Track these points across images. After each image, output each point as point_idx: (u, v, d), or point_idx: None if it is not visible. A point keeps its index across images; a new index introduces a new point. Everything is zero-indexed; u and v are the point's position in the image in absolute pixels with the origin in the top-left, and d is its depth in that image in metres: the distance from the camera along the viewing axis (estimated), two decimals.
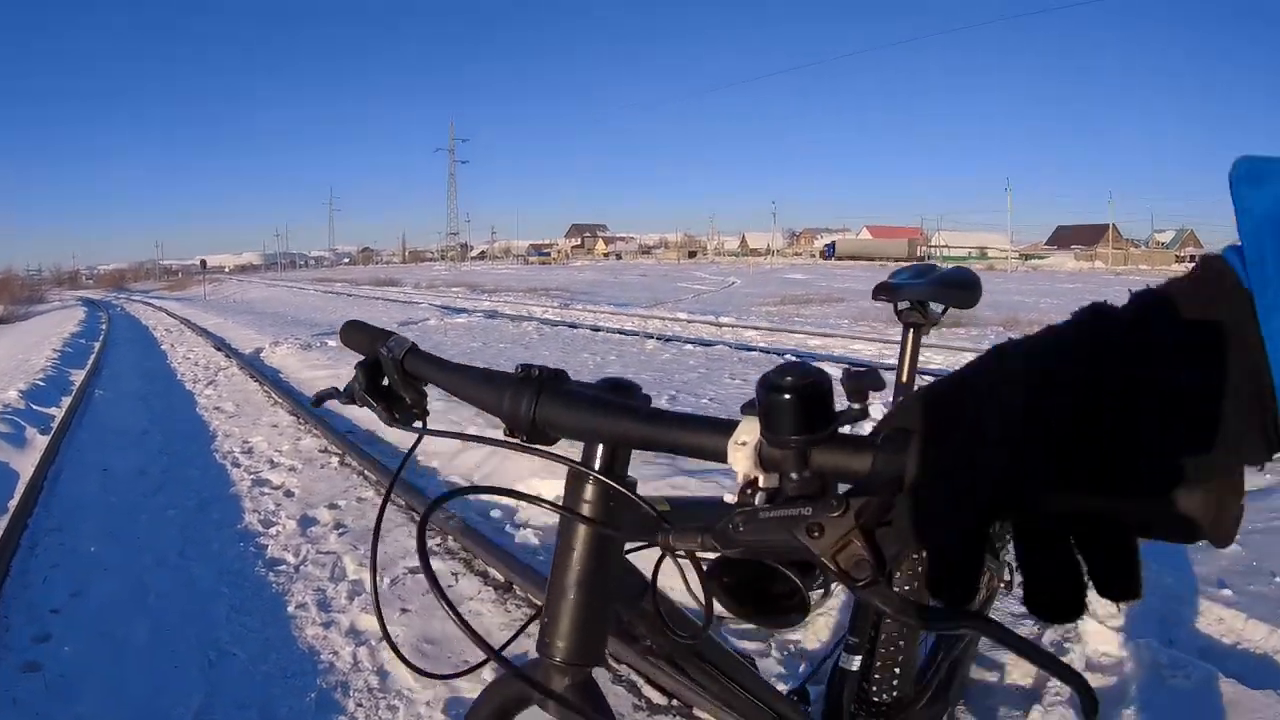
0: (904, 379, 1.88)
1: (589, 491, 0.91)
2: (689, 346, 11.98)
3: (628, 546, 1.00)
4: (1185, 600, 3.10)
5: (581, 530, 0.91)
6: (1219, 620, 2.99)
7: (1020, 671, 2.73)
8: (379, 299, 25.87)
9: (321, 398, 1.15)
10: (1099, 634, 2.82)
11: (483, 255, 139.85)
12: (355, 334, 1.10)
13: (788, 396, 0.62)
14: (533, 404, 0.86)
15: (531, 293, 27.67)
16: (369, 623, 3.23)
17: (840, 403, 0.64)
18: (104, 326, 20.67)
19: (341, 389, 1.10)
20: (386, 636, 0.98)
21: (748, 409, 0.69)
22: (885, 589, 0.60)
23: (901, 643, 1.79)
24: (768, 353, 11.31)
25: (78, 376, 10.71)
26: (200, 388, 9.56)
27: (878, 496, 0.58)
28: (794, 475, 0.64)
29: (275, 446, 6.25)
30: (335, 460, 5.73)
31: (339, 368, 9.66)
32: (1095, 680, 2.59)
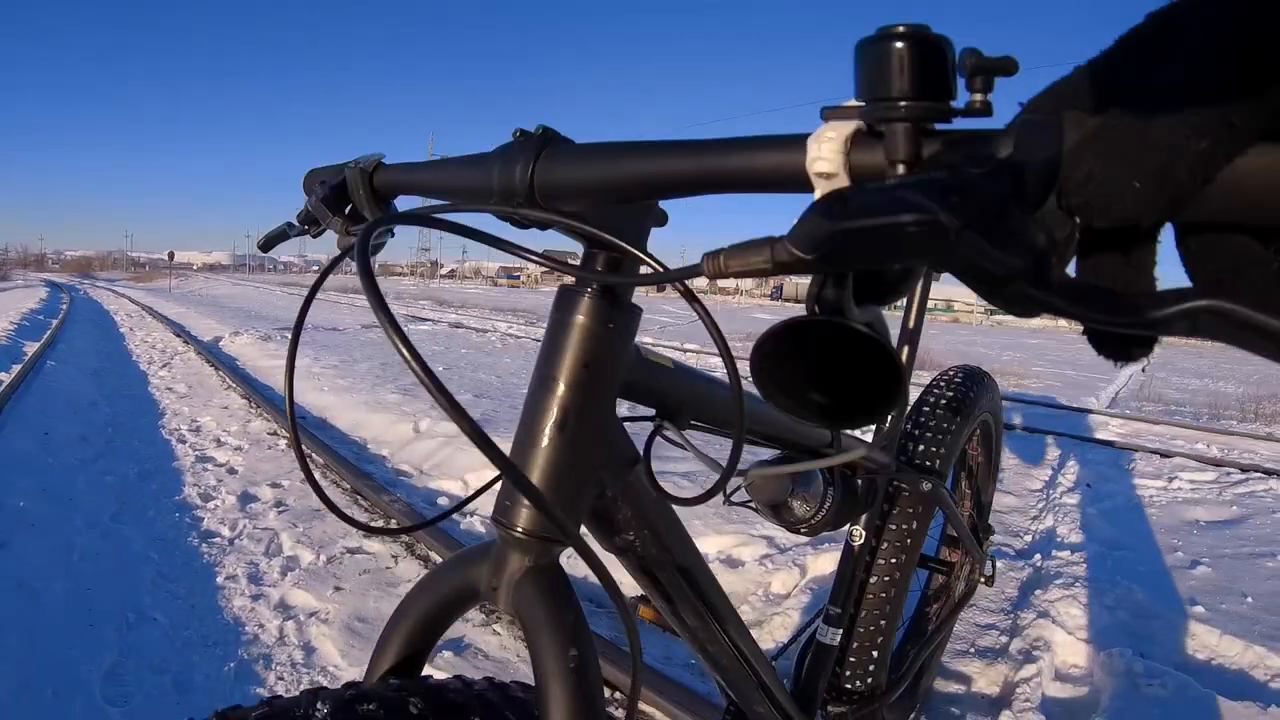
0: (910, 325, 1.74)
1: (589, 293, 0.74)
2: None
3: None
4: (1157, 616, 3.05)
5: (572, 351, 0.74)
6: (1193, 636, 2.93)
7: (987, 680, 2.63)
8: (345, 304, 25.52)
9: (271, 239, 1.01)
10: (1068, 645, 2.75)
11: (452, 274, 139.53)
12: (318, 172, 0.93)
13: (899, 45, 0.46)
14: (530, 164, 0.68)
15: (498, 310, 27.41)
16: (300, 598, 3.05)
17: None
18: (65, 307, 20.18)
19: (293, 224, 0.95)
20: (307, 473, 0.78)
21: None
22: (1059, 272, 0.41)
23: (883, 622, 1.67)
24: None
25: (31, 348, 10.39)
26: (155, 369, 9.28)
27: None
28: (901, 168, 0.48)
29: (224, 427, 6.03)
30: (284, 443, 5.53)
31: (298, 358, 9.45)
32: (1065, 690, 2.53)
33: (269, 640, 2.73)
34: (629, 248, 0.67)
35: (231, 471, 4.86)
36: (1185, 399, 11.88)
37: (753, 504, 1.20)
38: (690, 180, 0.60)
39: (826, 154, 0.50)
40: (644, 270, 0.72)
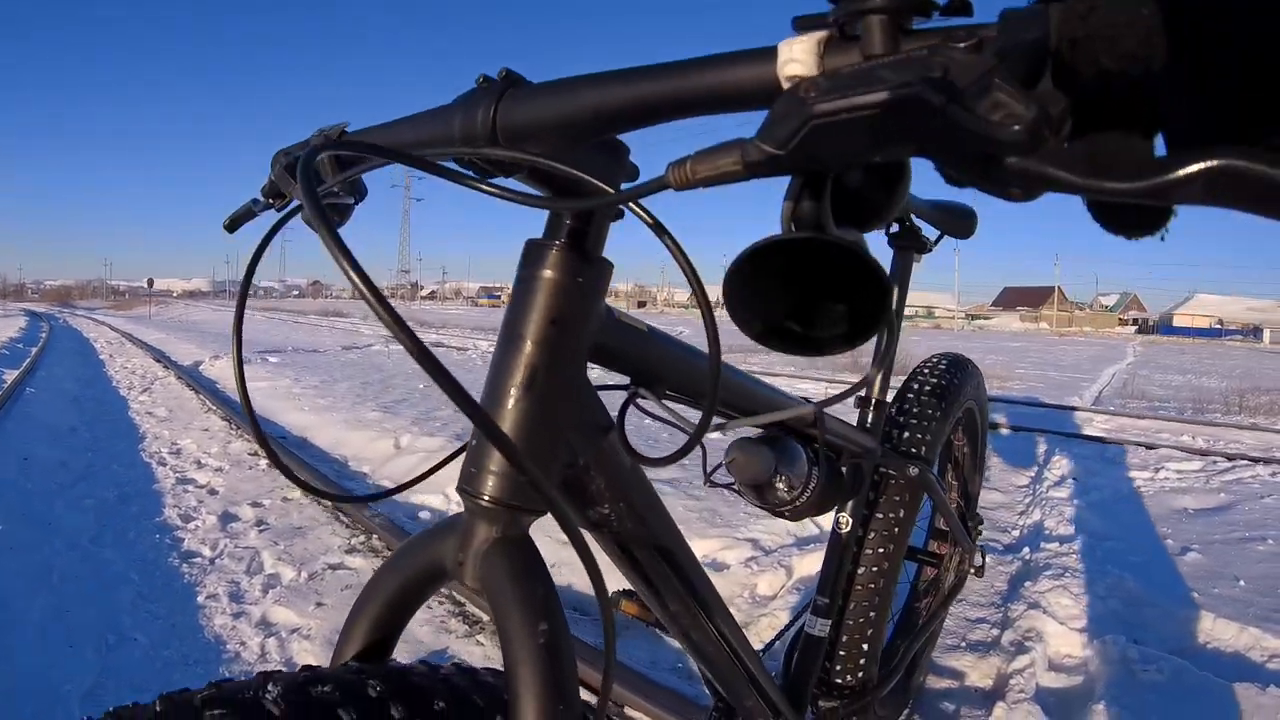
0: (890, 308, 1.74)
1: (556, 246, 0.71)
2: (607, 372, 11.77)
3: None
4: (1150, 603, 3.05)
5: (539, 307, 0.71)
6: (1187, 621, 2.93)
7: (979, 673, 2.63)
8: (325, 326, 25.43)
9: (236, 218, 0.98)
10: (1060, 635, 2.75)
11: (433, 295, 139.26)
12: (284, 150, 0.89)
13: None
14: (492, 106, 0.65)
15: (478, 330, 27.35)
16: (282, 615, 3.03)
17: None
18: (44, 335, 19.99)
19: (259, 199, 0.92)
20: (263, 444, 0.80)
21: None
22: (1057, 147, 0.39)
23: (872, 614, 1.65)
24: None
25: (10, 375, 10.30)
26: (135, 394, 9.20)
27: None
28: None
29: (204, 449, 5.98)
30: (264, 463, 5.48)
31: (278, 380, 9.42)
32: (1060, 680, 2.52)
33: (251, 657, 2.70)
34: (592, 180, 0.65)
35: (212, 492, 4.81)
36: (1169, 395, 11.95)
37: (735, 485, 1.17)
38: (658, 105, 0.58)
39: (799, 54, 0.48)
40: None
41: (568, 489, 0.82)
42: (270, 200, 0.92)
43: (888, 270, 1.74)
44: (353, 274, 0.46)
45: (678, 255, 0.68)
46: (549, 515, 0.64)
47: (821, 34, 0.47)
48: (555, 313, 0.70)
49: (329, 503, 4.40)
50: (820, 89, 0.43)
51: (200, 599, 3.18)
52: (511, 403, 0.69)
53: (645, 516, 0.89)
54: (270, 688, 0.62)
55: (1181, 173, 0.35)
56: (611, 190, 0.66)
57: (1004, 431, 6.99)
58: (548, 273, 0.71)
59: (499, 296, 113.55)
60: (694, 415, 0.90)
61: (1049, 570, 3.33)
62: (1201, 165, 0.35)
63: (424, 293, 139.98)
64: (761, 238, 0.51)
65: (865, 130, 0.43)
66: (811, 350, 0.56)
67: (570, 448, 0.77)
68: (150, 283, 55.47)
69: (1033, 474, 5.53)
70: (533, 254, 0.72)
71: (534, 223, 0.74)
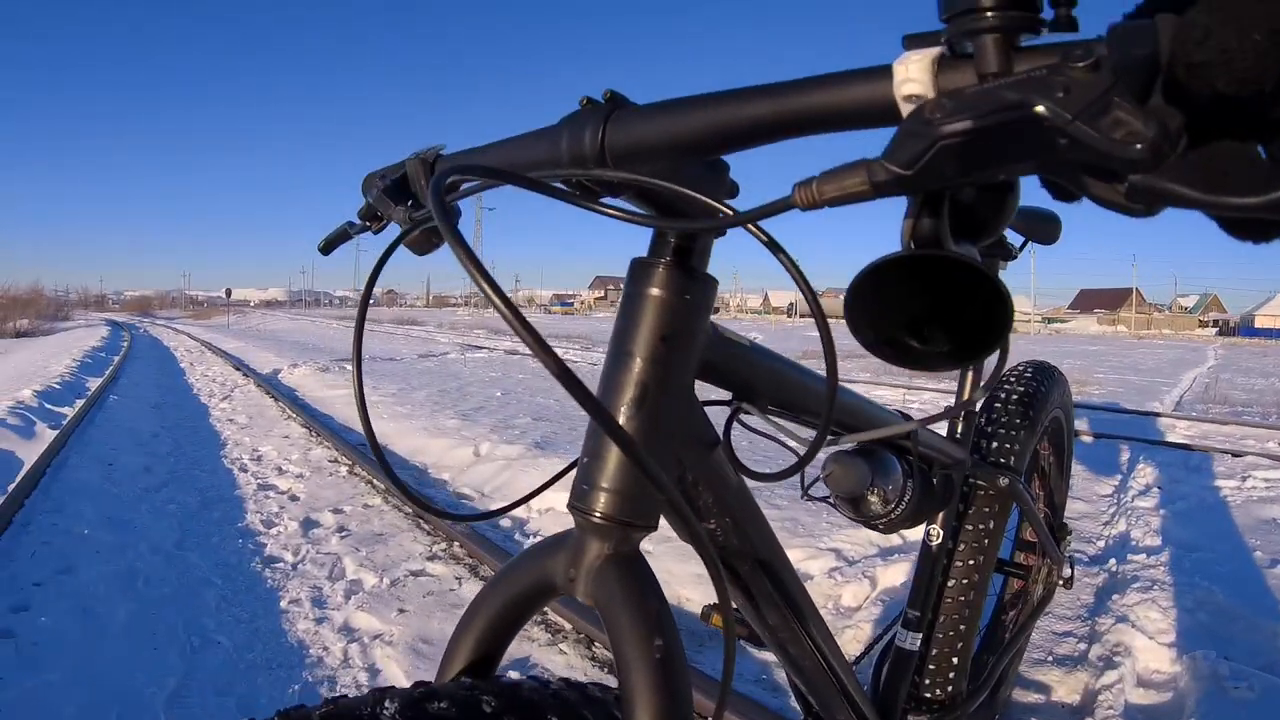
0: None
1: (663, 264, 0.71)
2: (708, 387, 11.75)
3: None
4: (1240, 617, 2.94)
5: (649, 324, 0.71)
6: (1277, 635, 2.82)
7: (1066, 688, 2.55)
8: (400, 334, 25.83)
9: (331, 240, 1.00)
10: (1149, 649, 2.67)
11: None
12: (376, 173, 0.91)
13: None
14: (600, 127, 0.66)
15: (552, 338, 27.52)
16: (364, 621, 3.05)
17: None
18: (125, 344, 20.62)
19: (354, 222, 0.93)
20: (381, 462, 0.79)
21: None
22: (1175, 162, 0.40)
23: (962, 627, 1.61)
24: None
25: (94, 383, 10.63)
26: (215, 401, 9.44)
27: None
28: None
29: (285, 455, 6.10)
30: (344, 469, 5.57)
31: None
32: (1149, 697, 2.44)
33: (333, 663, 2.73)
34: (703, 197, 0.64)
35: (293, 498, 4.89)
36: (1252, 399, 11.52)
37: (831, 498, 1.17)
38: (769, 125, 0.58)
39: (915, 73, 0.48)
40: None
41: (674, 505, 0.81)
42: (367, 223, 0.93)
43: None
44: (491, 292, 0.47)
45: (795, 273, 0.67)
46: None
47: (935, 52, 0.48)
48: (665, 329, 0.71)
49: (412, 532, 4.44)
50: (945, 110, 0.44)
51: (283, 603, 3.22)
52: (623, 419, 0.70)
53: (749, 531, 0.90)
54: (387, 704, 0.63)
55: None
56: (723, 209, 0.65)
57: (1086, 438, 6.80)
58: (656, 290, 0.71)
59: (572, 304, 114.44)
60: (794, 429, 0.92)
61: (1136, 582, 3.23)
62: None
63: None
64: (885, 254, 0.53)
65: (989, 150, 0.44)
66: (924, 365, 0.58)
67: (679, 463, 0.78)
68: (228, 293, 57.00)
69: (1116, 482, 5.38)
70: (640, 272, 0.73)
71: (610, 235, 0.76)
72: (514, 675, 0.75)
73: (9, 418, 6.73)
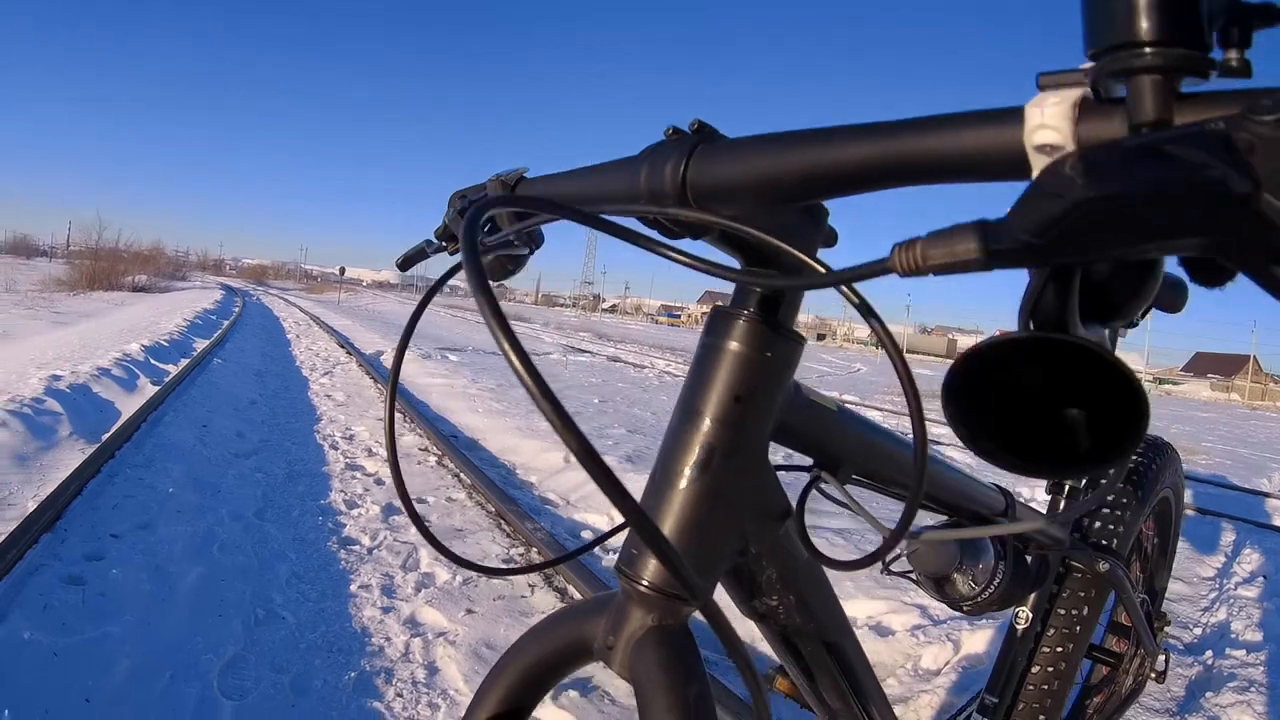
0: None
1: (745, 316, 0.66)
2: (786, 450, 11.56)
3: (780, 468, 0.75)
4: None
5: (722, 382, 0.66)
6: None
7: None
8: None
9: (409, 257, 0.98)
10: None
11: (614, 309, 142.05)
12: (462, 191, 0.89)
13: None
14: (683, 162, 0.60)
15: (656, 348, 27.49)
16: (431, 617, 3.02)
17: None
18: (237, 309, 21.31)
19: (432, 240, 0.92)
20: (405, 499, 0.77)
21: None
22: None
23: (1042, 717, 1.49)
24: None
25: (201, 345, 10.97)
26: (316, 375, 9.65)
27: None
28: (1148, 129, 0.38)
29: (376, 437, 6.16)
30: (434, 459, 5.59)
31: (455, 378, 9.68)
32: None
33: (393, 655, 2.70)
34: (791, 249, 0.58)
35: (379, 482, 4.93)
36: None
37: (914, 575, 1.10)
38: (875, 170, 0.51)
39: (1052, 120, 0.41)
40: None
41: (736, 578, 0.77)
42: (444, 243, 0.92)
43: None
44: (507, 345, 0.42)
45: (886, 342, 0.60)
46: None
47: (1076, 94, 0.41)
48: (740, 389, 0.66)
49: (490, 533, 4.42)
50: (1091, 167, 0.36)
51: (353, 587, 3.22)
52: (684, 484, 0.65)
53: (815, 610, 0.83)
54: None
55: None
56: (814, 264, 0.58)
57: (1189, 513, 6.43)
58: (734, 345, 0.67)
59: (679, 315, 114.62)
60: (878, 500, 0.87)
61: (1233, 681, 3.01)
62: None
63: (605, 305, 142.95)
64: (996, 334, 0.47)
65: (1143, 221, 0.36)
66: (1041, 471, 0.50)
67: (743, 536, 0.72)
68: (341, 270, 58.45)
69: (1219, 565, 5.06)
70: (719, 323, 0.68)
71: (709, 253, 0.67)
72: None
73: (114, 369, 6.96)
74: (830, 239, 0.70)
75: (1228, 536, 5.86)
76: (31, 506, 3.39)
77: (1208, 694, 2.97)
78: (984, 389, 0.48)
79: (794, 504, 0.78)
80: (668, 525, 0.64)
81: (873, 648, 3.02)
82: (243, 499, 4.18)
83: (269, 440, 5.75)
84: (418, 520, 0.78)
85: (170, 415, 5.77)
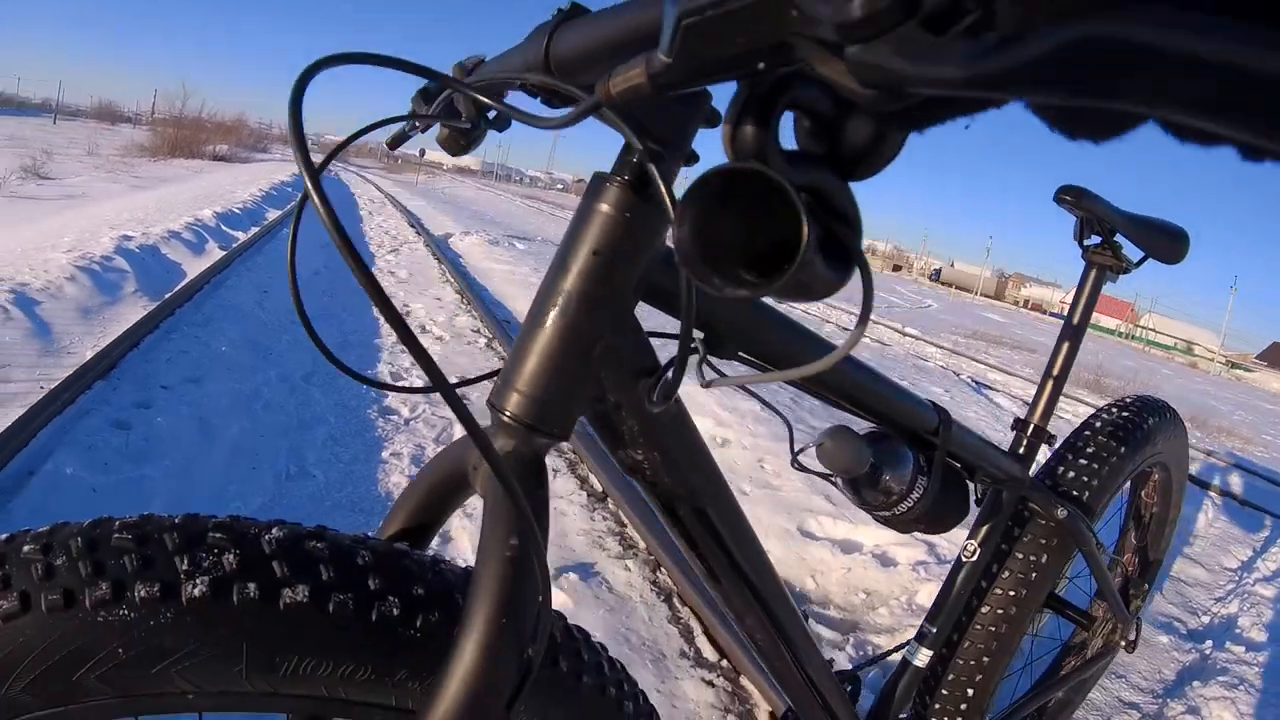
0: (1075, 322, 1.59)
1: (617, 182, 0.69)
2: (866, 340, 11.51)
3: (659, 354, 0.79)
4: None
5: (583, 237, 0.70)
6: None
7: None
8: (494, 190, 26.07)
9: (396, 139, 1.04)
10: None
11: (580, 182, 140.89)
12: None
13: None
14: (546, 36, 0.66)
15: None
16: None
17: None
18: None
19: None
20: (305, 322, 0.82)
21: None
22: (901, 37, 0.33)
23: (986, 658, 1.52)
24: (944, 369, 10.83)
25: (273, 215, 11.19)
26: (383, 253, 9.82)
27: None
28: None
29: (431, 317, 6.31)
30: (483, 341, 5.73)
31: (519, 266, 9.77)
32: None
33: None
34: (577, 92, 0.62)
35: None
36: None
37: (833, 478, 1.09)
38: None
39: None
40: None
41: (598, 424, 0.82)
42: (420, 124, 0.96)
43: (1076, 280, 1.59)
44: (316, 197, 0.47)
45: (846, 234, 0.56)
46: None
47: None
48: (597, 244, 0.70)
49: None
50: None
51: (385, 454, 3.37)
52: (547, 323, 0.71)
53: (685, 472, 0.87)
54: (274, 531, 0.67)
55: None
56: (580, 95, 0.61)
57: (1232, 500, 6.23)
58: (599, 205, 0.70)
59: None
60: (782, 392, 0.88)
61: (1224, 676, 2.98)
62: None
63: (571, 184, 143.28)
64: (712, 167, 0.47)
65: (729, 32, 0.39)
66: (753, 288, 0.49)
67: (599, 383, 0.77)
68: (422, 152, 57.38)
69: (1245, 558, 4.87)
70: (594, 186, 0.72)
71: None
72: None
73: (185, 232, 7.18)
74: (712, 119, 0.72)
75: (1264, 532, 5.71)
76: (90, 354, 3.58)
77: (1194, 683, 2.93)
78: (713, 228, 0.49)
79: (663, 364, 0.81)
80: (530, 362, 0.70)
81: (873, 577, 3.08)
82: (292, 362, 4.36)
83: (327, 310, 5.91)
84: (318, 340, 0.85)
85: (233, 279, 5.97)
